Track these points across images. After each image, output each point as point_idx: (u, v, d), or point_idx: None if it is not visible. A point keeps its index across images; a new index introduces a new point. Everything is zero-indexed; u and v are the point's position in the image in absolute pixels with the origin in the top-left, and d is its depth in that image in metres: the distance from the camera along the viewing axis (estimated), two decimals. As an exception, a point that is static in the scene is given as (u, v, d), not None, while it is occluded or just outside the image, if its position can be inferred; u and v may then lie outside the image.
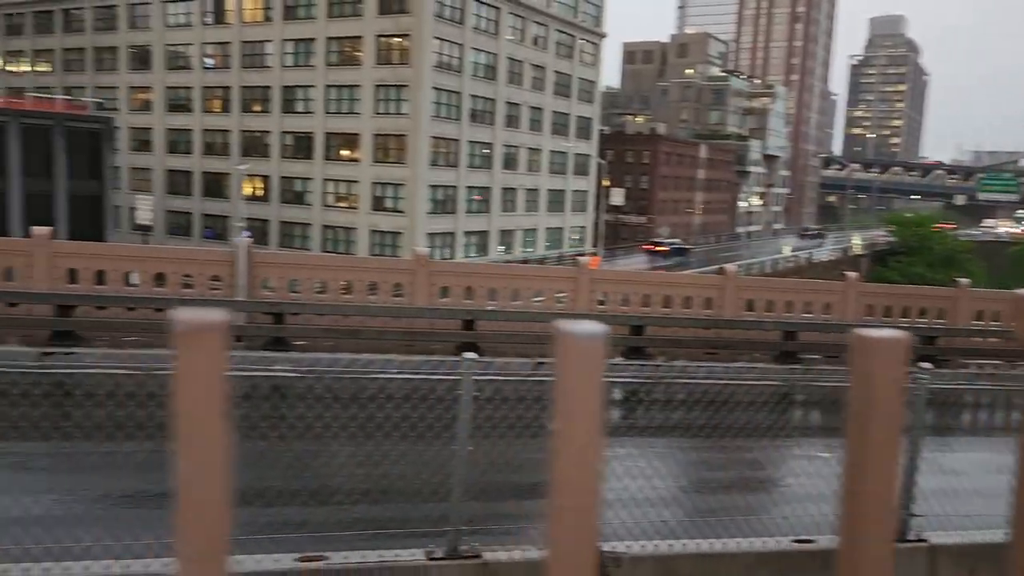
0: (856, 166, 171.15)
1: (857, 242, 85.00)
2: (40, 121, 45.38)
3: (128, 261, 16.56)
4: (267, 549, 6.10)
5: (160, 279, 16.41)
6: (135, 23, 63.73)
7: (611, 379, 14.34)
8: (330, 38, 56.68)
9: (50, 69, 67.40)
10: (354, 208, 56.73)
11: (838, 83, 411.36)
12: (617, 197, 75.72)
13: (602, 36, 72.04)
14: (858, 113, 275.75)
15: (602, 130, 78.72)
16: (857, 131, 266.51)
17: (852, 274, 20.71)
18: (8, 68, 69.09)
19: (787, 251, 79.48)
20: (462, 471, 5.77)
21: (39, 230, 15.98)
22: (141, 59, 63.79)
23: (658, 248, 75.09)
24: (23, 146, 44.04)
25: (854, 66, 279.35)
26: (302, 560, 5.56)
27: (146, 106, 64.23)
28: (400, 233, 54.97)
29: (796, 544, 6.24)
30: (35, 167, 44.22)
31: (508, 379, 9.78)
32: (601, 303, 18.26)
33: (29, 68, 68.44)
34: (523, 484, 10.27)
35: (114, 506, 9.00)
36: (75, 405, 12.74)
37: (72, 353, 13.49)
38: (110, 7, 64.40)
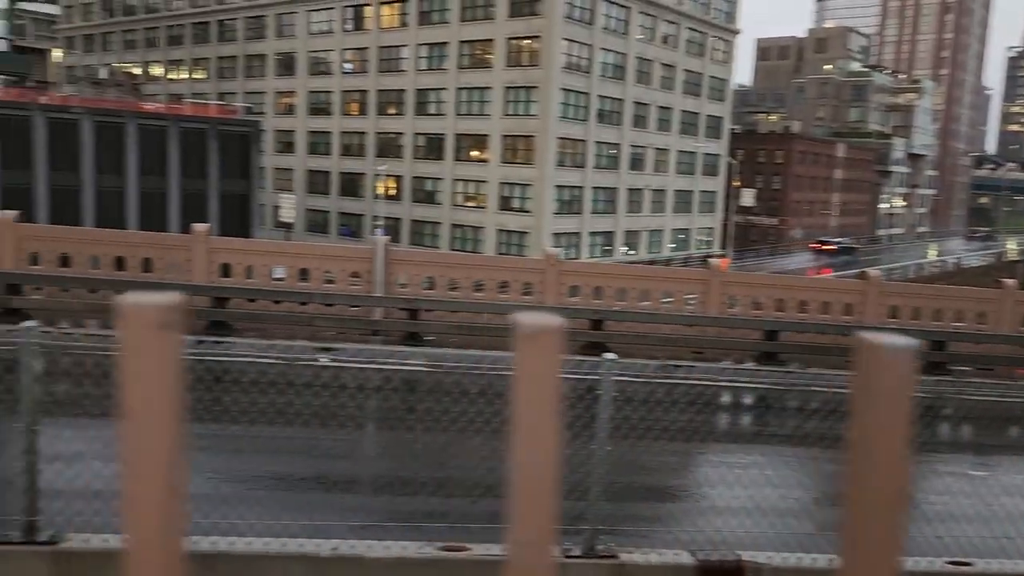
0: (1012, 165, 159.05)
1: (1012, 247, 79.04)
2: (196, 125, 48.72)
3: (276, 257, 17.55)
4: (410, 537, 6.35)
5: (304, 274, 17.30)
6: (281, 32, 67.28)
7: (742, 385, 14.00)
8: (462, 41, 57.91)
9: (205, 76, 72.16)
10: (482, 207, 57.74)
11: (994, 76, 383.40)
12: (747, 198, 73.59)
13: (735, 33, 70.20)
14: (1016, 109, 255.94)
15: (733, 129, 76.69)
16: (1015, 128, 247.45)
17: (1009, 281, 19.32)
18: (169, 76, 74.47)
19: (932, 255, 74.90)
20: (600, 471, 5.81)
21: (198, 227, 17.17)
22: (286, 65, 67.28)
23: (826, 247, 73.36)
24: (181, 148, 47.41)
25: (1012, 58, 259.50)
26: (445, 549, 5.76)
27: (290, 110, 67.69)
28: (527, 233, 55.51)
29: (951, 566, 5.93)
30: (191, 168, 47.52)
31: (648, 381, 9.73)
32: (731, 306, 17.85)
33: (187, 76, 73.52)
34: (655, 487, 10.21)
35: (266, 488, 9.58)
36: (229, 391, 13.63)
37: (227, 342, 14.44)
38: (259, 17, 68.28)
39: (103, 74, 72.10)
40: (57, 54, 74.74)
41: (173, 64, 74.85)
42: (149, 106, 53.62)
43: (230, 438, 11.15)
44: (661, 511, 9.62)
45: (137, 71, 75.27)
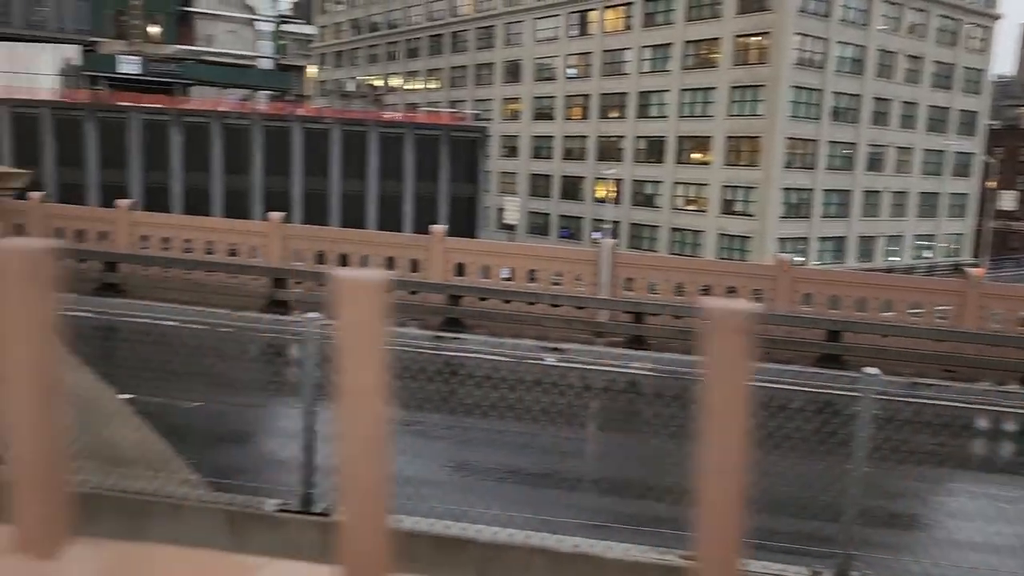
0: None
1: None
2: (429, 132, 51.81)
3: (506, 258, 18.22)
4: (634, 541, 6.33)
5: (532, 275, 17.82)
6: (509, 40, 69.79)
7: (1010, 410, 12.60)
8: (687, 42, 56.94)
9: (439, 85, 76.51)
10: (703, 211, 56.43)
11: None
12: (1008, 201, 66.01)
13: (995, 18, 63.24)
14: None
15: (990, 125, 69.08)
16: None
17: None
18: (406, 86, 79.79)
19: None
20: (856, 493, 5.47)
21: (436, 228, 18.24)
22: (512, 72, 69.69)
23: None
24: (416, 154, 50.63)
25: None
26: (683, 557, 5.69)
27: (515, 115, 70.04)
28: (749, 237, 53.51)
29: None
30: (424, 172, 50.60)
31: (910, 401, 9.07)
32: (992, 321, 16.07)
33: (422, 85, 78.38)
34: (902, 513, 9.45)
35: (497, 479, 9.99)
36: (463, 384, 14.34)
37: (463, 338, 15.22)
38: (489, 27, 71.27)
39: (350, 87, 78.68)
40: (312, 70, 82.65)
41: (410, 75, 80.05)
42: (388, 115, 57.76)
43: (464, 430, 11.75)
44: (908, 540, 8.89)
45: (379, 82, 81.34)
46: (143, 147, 45.67)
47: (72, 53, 53.03)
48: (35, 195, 19.26)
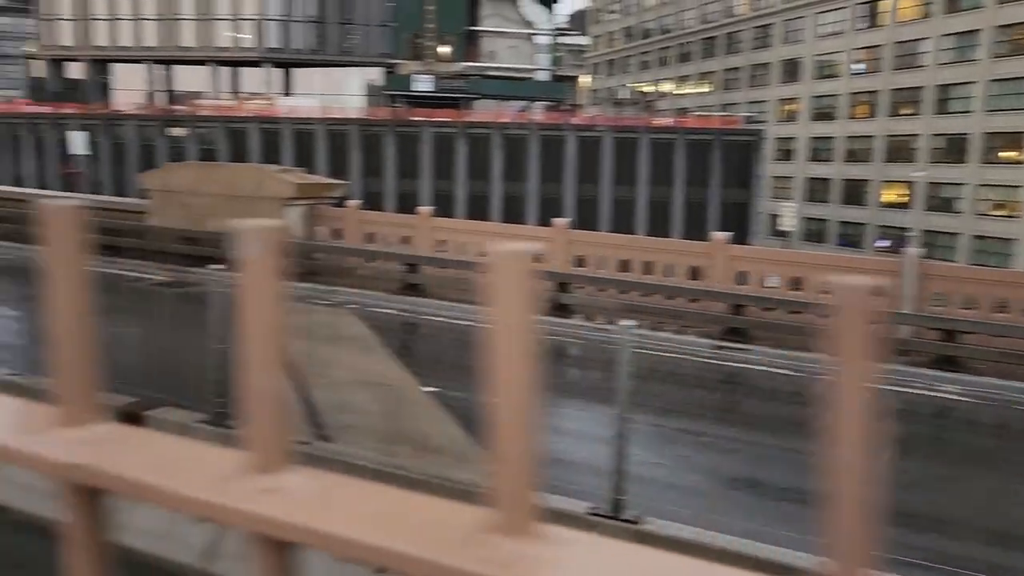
0: None
1: None
2: (700, 136, 50.82)
3: (794, 267, 17.32)
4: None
5: (824, 286, 16.75)
6: (788, 37, 66.49)
7: None
8: (999, 27, 50.62)
9: (711, 89, 74.85)
10: (1014, 216, 49.81)
11: None
12: None
13: None
14: None
15: None
16: None
17: None
18: (676, 91, 79.03)
19: None
20: None
21: (718, 235, 17.79)
22: (790, 72, 66.31)
23: None
24: (686, 159, 49.91)
25: None
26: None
27: (791, 116, 66.56)
28: (1075, 247, 46.38)
29: None
30: (694, 177, 49.74)
31: None
32: None
33: (694, 89, 77.16)
34: None
35: (788, 500, 9.46)
36: (749, 397, 13.89)
37: (744, 349, 14.69)
38: (766, 26, 68.44)
39: (622, 94, 79.54)
40: (585, 79, 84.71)
41: (681, 79, 79.14)
42: (659, 121, 57.53)
43: (754, 445, 11.32)
44: None
45: (649, 89, 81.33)
46: (433, 158, 49.59)
47: (375, 75, 59.02)
48: (352, 203, 21.59)
